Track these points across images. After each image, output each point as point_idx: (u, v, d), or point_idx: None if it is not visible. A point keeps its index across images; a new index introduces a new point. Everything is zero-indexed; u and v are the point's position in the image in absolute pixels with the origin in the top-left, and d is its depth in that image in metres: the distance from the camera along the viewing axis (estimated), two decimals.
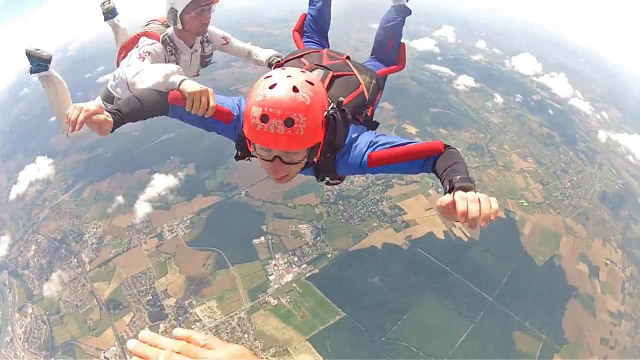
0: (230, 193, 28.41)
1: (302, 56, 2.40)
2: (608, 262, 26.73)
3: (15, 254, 30.07)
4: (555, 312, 23.41)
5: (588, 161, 36.06)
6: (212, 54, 3.42)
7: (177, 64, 3.03)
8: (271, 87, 1.55)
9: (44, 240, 29.25)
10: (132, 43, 3.02)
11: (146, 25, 3.21)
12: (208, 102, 1.93)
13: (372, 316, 22.13)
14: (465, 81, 43.56)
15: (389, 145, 1.92)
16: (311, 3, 3.28)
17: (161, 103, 1.97)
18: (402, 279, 23.24)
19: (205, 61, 3.42)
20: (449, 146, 1.84)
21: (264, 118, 1.52)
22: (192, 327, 22.77)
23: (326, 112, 1.68)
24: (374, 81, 2.34)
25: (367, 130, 2.18)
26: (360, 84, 2.24)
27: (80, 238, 28.41)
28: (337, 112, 1.77)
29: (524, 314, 22.76)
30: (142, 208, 29.39)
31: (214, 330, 22.47)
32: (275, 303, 22.86)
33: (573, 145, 37.46)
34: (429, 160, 1.83)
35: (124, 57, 3.08)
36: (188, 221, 27.34)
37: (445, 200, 1.38)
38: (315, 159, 1.85)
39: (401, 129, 33.42)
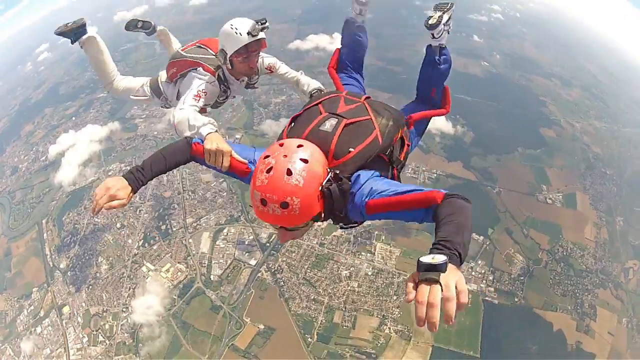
0: (485, 181, 27.94)
1: (320, 102, 2.36)
2: None
3: None
4: None
5: None
6: (257, 80, 3.61)
7: (227, 96, 3.42)
8: (268, 171, 1.66)
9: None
10: (186, 65, 3.25)
11: (198, 47, 3.34)
12: (223, 161, 2.24)
13: None
14: None
15: (387, 194, 1.83)
16: (346, 43, 3.25)
17: (184, 156, 2.22)
18: None
19: (249, 86, 3.60)
20: (451, 195, 1.65)
21: (263, 202, 1.66)
22: (360, 254, 23.05)
23: (321, 186, 1.74)
24: (390, 123, 2.23)
25: (380, 175, 2.08)
26: (375, 129, 2.15)
27: None
28: (332, 184, 1.80)
29: None
30: None
31: (375, 270, 22.47)
32: None
33: None
34: (430, 211, 1.69)
35: (174, 74, 3.43)
36: (434, 176, 27.05)
37: (409, 298, 1.16)
38: (321, 221, 1.94)
39: None
